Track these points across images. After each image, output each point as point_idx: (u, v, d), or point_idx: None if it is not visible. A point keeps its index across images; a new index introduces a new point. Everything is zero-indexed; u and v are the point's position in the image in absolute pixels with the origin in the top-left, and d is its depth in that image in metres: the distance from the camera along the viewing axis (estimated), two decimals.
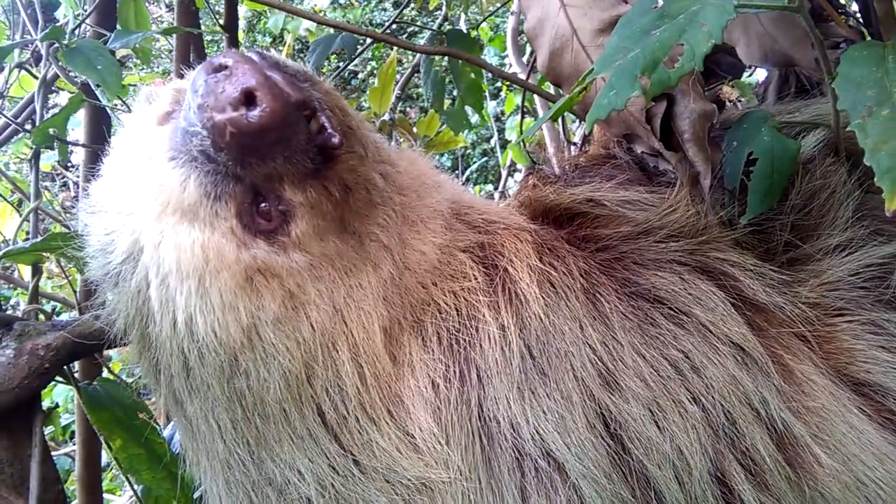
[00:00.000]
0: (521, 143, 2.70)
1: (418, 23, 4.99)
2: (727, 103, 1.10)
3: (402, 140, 2.41)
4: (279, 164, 0.79)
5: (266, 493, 0.90)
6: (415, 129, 2.43)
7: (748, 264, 0.93)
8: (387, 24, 2.55)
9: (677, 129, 0.99)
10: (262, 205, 0.81)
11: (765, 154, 0.96)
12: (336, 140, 0.80)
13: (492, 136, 5.47)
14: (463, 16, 3.66)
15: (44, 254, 1.45)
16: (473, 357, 0.85)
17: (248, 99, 0.74)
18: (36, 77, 2.51)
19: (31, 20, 2.40)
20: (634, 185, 1.01)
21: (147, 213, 0.83)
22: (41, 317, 1.40)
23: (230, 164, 0.78)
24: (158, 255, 0.82)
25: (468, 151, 6.53)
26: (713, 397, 0.83)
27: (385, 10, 8.22)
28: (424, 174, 1.01)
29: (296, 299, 0.83)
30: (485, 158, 6.37)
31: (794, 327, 0.92)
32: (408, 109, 7.14)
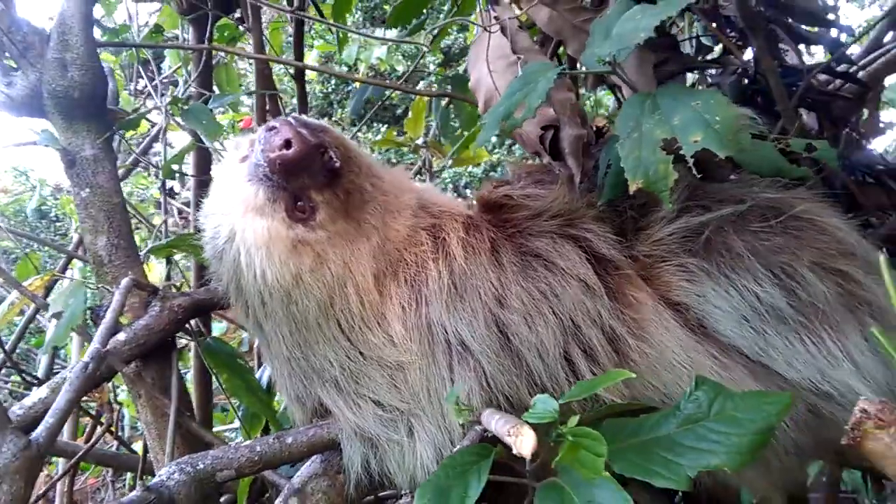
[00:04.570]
0: None
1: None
2: (598, 127, 1.63)
3: (434, 157, 3.00)
4: (306, 179, 1.39)
5: (311, 377, 1.48)
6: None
7: (601, 232, 1.46)
8: (405, 74, 3.17)
9: (561, 146, 1.54)
10: (299, 203, 1.41)
11: (616, 160, 1.49)
12: (338, 165, 1.40)
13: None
14: None
15: (172, 250, 2.13)
16: (423, 290, 1.41)
17: (286, 144, 1.35)
18: (153, 122, 3.28)
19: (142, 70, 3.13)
20: (539, 185, 1.56)
21: (237, 212, 1.44)
22: (173, 289, 2.08)
23: (279, 180, 1.38)
24: (244, 236, 1.43)
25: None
26: (565, 311, 1.37)
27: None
28: (402, 182, 1.59)
29: (321, 258, 1.42)
30: None
31: (633, 271, 1.45)
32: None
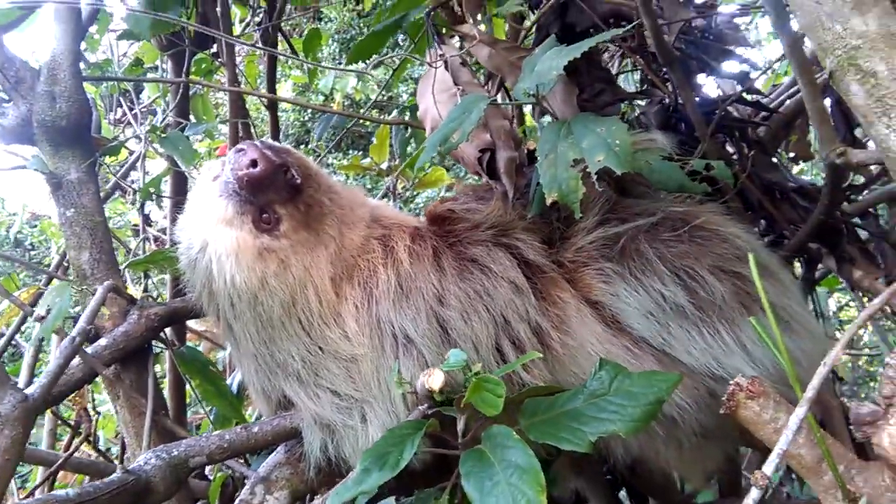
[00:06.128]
0: None
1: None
2: (530, 150, 1.85)
3: (398, 180, 3.21)
4: (270, 194, 1.59)
5: (276, 371, 1.66)
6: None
7: (530, 241, 1.67)
8: (368, 104, 3.42)
9: (497, 167, 1.75)
10: (264, 215, 1.60)
11: None
12: (298, 181, 1.60)
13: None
14: None
15: (149, 265, 2.31)
16: (374, 291, 1.61)
17: (252, 164, 1.55)
18: (131, 151, 3.47)
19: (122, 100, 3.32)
20: (478, 200, 1.77)
21: (209, 225, 1.62)
22: (150, 299, 2.25)
23: (247, 195, 1.57)
24: (216, 246, 1.61)
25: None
26: (497, 309, 1.57)
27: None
28: (357, 198, 1.80)
29: (284, 263, 1.60)
30: None
31: (557, 274, 1.66)
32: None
